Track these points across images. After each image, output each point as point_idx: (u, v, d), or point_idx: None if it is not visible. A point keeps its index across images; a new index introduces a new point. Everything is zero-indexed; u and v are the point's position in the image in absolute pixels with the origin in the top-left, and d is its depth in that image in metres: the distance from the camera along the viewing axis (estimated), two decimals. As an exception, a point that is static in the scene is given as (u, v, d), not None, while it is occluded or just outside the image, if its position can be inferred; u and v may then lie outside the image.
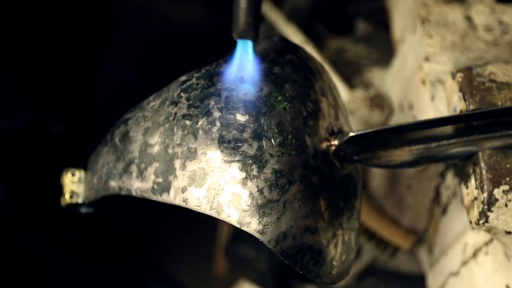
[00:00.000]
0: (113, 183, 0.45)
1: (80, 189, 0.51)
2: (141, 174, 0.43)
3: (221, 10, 1.07)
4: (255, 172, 0.40)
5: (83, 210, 0.51)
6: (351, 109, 0.73)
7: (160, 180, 0.42)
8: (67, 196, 0.50)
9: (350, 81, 0.82)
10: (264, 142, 0.41)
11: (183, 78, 0.46)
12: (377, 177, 0.75)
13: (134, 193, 0.44)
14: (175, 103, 0.44)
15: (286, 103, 0.43)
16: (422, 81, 0.58)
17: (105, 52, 0.89)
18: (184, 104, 0.44)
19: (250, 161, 0.41)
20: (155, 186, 0.42)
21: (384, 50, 0.85)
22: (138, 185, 0.43)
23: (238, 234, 0.82)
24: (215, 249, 1.17)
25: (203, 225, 1.25)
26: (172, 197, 0.41)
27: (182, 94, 0.44)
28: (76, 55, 0.79)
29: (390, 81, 0.73)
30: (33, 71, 0.70)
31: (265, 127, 0.42)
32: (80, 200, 0.51)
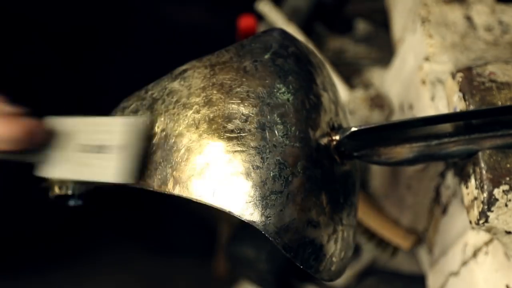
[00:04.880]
0: None
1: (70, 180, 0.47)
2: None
3: (221, 10, 1.07)
4: (258, 163, 0.40)
5: (72, 202, 0.48)
6: (351, 109, 0.73)
7: (158, 170, 0.41)
8: (56, 187, 0.47)
9: (350, 81, 0.82)
10: (267, 133, 0.40)
11: (184, 67, 0.45)
12: (377, 177, 0.75)
13: (130, 184, 0.42)
14: (175, 92, 0.43)
15: (289, 95, 0.42)
16: (422, 81, 0.58)
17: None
18: (184, 93, 0.43)
19: (253, 152, 0.40)
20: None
21: (384, 50, 0.85)
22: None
23: (238, 234, 0.82)
24: (215, 249, 1.17)
25: (203, 224, 1.25)
26: (171, 188, 0.41)
27: (182, 82, 0.43)
28: None
29: (390, 81, 0.72)
30: None
31: (269, 117, 0.41)
32: (69, 192, 0.47)
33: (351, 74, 0.84)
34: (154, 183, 0.41)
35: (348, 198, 0.47)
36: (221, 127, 0.41)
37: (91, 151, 0.43)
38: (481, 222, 0.44)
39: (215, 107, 0.41)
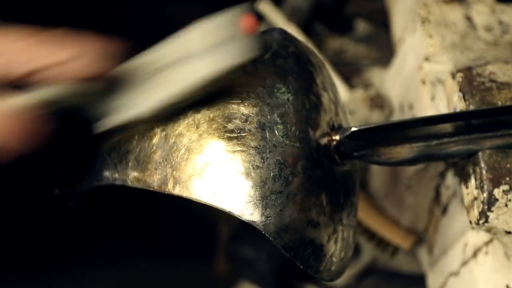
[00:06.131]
0: (107, 173, 0.43)
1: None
2: (138, 164, 0.42)
3: (221, 10, 1.07)
4: (258, 163, 0.40)
5: (72, 202, 0.48)
6: (351, 109, 0.73)
7: (158, 170, 0.41)
8: (56, 188, 0.47)
9: (350, 81, 0.82)
10: (267, 133, 0.41)
11: None
12: (377, 177, 0.75)
13: (129, 183, 0.42)
14: None
15: (289, 94, 0.43)
16: (422, 81, 0.58)
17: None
18: None
19: (253, 152, 0.40)
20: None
21: (384, 50, 0.85)
22: (135, 175, 0.42)
23: (238, 234, 0.82)
24: (215, 249, 1.17)
25: (203, 224, 1.25)
26: (171, 188, 0.40)
27: None
28: None
29: (390, 81, 0.73)
30: None
31: (269, 117, 0.41)
32: (70, 191, 0.47)
33: (351, 74, 0.84)
34: (154, 183, 0.41)
35: (348, 198, 0.47)
36: (221, 127, 0.41)
37: (167, 67, 0.39)
38: (481, 222, 0.44)
39: (215, 107, 0.41)
